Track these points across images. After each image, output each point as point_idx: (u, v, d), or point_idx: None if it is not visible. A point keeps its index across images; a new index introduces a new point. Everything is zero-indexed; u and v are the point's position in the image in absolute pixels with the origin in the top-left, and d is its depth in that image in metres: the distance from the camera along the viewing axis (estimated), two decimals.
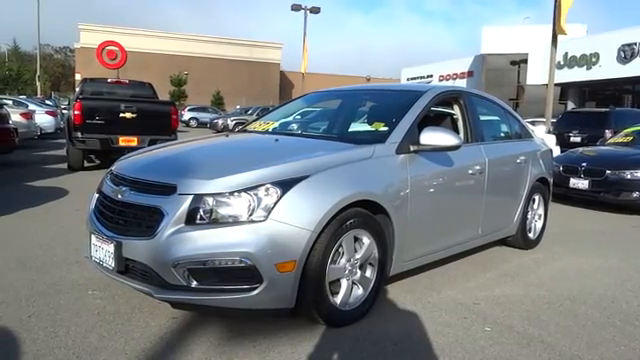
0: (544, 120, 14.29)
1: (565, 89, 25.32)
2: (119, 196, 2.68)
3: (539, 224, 4.79)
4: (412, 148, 3.15)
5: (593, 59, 22.57)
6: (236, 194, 2.43)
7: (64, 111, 20.17)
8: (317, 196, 2.55)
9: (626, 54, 21.10)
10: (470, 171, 3.66)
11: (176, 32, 56.22)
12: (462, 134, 3.83)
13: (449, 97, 3.91)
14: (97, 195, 3.00)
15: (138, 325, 2.67)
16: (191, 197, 2.43)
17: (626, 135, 8.54)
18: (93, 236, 2.76)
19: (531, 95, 26.46)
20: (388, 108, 3.85)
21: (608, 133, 10.54)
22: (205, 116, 34.09)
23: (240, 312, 2.56)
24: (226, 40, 57.14)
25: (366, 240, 2.80)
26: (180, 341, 2.52)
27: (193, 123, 33.99)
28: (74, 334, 2.54)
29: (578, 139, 11.76)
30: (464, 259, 4.10)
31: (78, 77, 41.59)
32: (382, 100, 4.22)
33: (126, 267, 2.57)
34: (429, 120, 3.65)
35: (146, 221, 2.51)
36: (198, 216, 2.41)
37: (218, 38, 57.06)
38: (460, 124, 3.91)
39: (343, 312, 2.72)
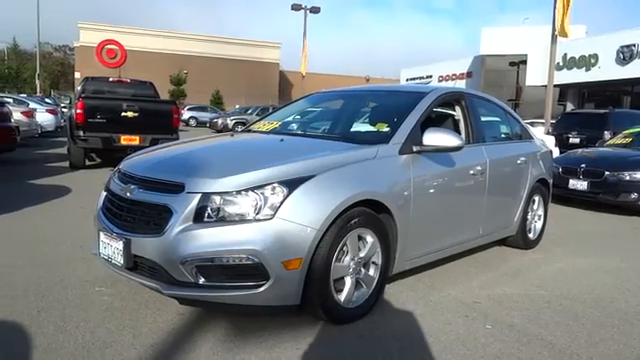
0: (543, 121, 14.36)
1: (564, 90, 25.36)
2: (128, 194, 2.72)
3: (539, 224, 4.84)
4: (415, 149, 3.20)
5: (592, 60, 22.61)
6: (243, 193, 2.48)
7: (64, 110, 20.23)
8: (323, 195, 2.59)
9: (625, 55, 21.15)
10: (471, 172, 3.71)
11: (176, 31, 56.18)
12: (464, 135, 3.87)
13: (451, 98, 3.97)
14: (105, 193, 3.05)
15: (146, 321, 2.72)
16: (199, 195, 2.48)
17: (625, 136, 8.59)
18: (102, 233, 2.80)
19: (530, 96, 26.50)
20: (391, 109, 3.89)
21: (607, 134, 10.58)
22: (204, 115, 34.11)
23: (246, 309, 2.60)
24: (225, 40, 57.10)
25: (370, 239, 2.85)
26: (187, 336, 2.56)
27: (192, 122, 34.01)
28: (83, 329, 2.59)
29: (577, 140, 11.82)
30: (465, 258, 4.15)
31: (77, 76, 41.61)
32: (385, 101, 4.27)
33: (135, 264, 2.62)
34: (431, 121, 3.69)
35: (155, 219, 2.55)
36: (206, 214, 2.45)
37: (218, 37, 57.00)
38: (462, 125, 3.96)
39: (347, 309, 2.77)
